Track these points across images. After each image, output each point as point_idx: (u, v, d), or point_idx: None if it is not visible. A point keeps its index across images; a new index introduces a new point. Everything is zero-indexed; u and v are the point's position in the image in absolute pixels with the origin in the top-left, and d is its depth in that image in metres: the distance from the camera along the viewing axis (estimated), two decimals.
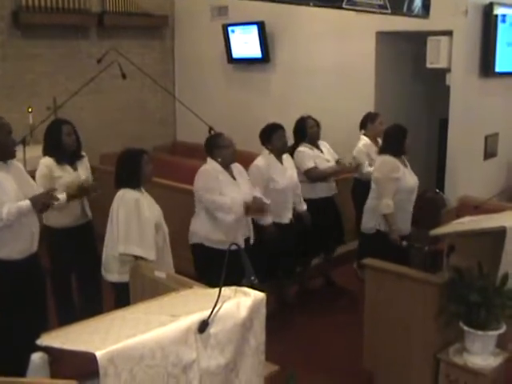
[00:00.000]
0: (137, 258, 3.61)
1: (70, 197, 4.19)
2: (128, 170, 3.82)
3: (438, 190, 6.21)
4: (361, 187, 5.44)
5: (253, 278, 1.95)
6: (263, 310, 1.90)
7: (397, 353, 4.12)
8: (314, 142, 5.47)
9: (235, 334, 1.81)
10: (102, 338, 1.65)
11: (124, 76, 5.42)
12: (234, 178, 4.47)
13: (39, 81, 7.26)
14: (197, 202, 4.44)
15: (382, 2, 4.49)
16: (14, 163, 3.72)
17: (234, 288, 1.94)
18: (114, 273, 3.85)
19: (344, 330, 4.92)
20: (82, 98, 6.62)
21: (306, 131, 5.41)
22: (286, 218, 4.99)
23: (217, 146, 4.42)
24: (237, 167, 4.57)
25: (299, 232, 5.13)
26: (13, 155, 3.66)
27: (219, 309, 1.77)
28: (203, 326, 1.72)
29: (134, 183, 3.80)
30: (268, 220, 4.76)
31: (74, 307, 4.57)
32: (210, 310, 1.77)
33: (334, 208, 5.60)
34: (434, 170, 7.50)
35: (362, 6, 4.30)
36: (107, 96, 7.78)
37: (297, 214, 5.16)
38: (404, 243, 4.67)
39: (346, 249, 5.97)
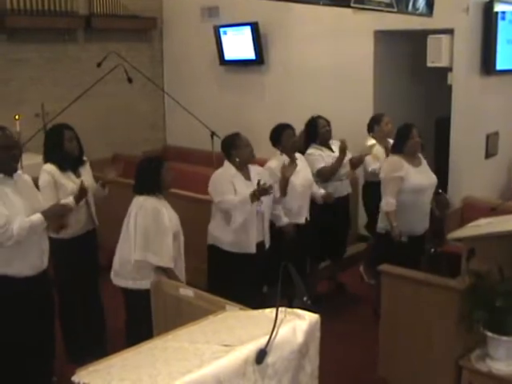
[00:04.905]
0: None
1: (77, 198, 4.02)
2: (149, 177, 3.83)
3: (440, 191, 6.10)
4: (370, 189, 5.33)
5: (305, 298, 1.79)
6: (318, 334, 1.74)
7: (415, 360, 4.01)
8: (325, 142, 5.36)
9: (292, 362, 1.65)
10: (150, 373, 1.48)
11: (130, 80, 5.22)
12: (249, 179, 4.42)
13: (26, 86, 7.02)
14: (212, 204, 4.46)
15: (388, 1, 4.38)
16: (21, 177, 3.56)
17: (283, 309, 1.78)
18: (127, 279, 3.82)
19: (353, 335, 4.82)
20: (69, 103, 6.41)
21: (318, 131, 5.29)
22: (303, 217, 4.92)
23: (235, 146, 4.39)
24: (255, 169, 4.53)
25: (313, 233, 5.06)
26: (12, 170, 3.45)
27: (276, 335, 1.61)
28: (261, 355, 1.55)
29: (154, 190, 3.80)
30: (283, 221, 4.70)
31: (77, 320, 4.43)
32: (265, 336, 1.60)
33: (345, 210, 5.50)
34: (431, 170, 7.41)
35: (369, 4, 4.19)
36: (95, 101, 7.53)
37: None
38: (403, 238, 4.59)
39: (352, 251, 5.92)
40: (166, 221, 3.71)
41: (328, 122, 5.36)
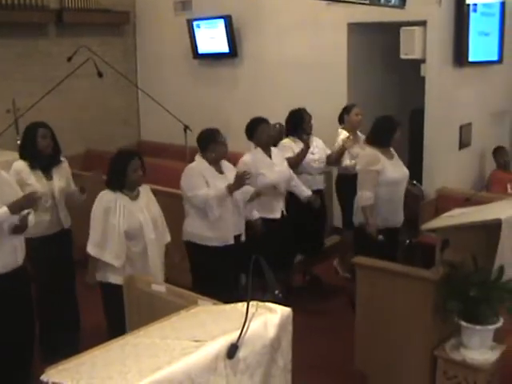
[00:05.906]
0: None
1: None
2: (113, 171, 3.78)
3: (414, 182, 6.13)
4: (344, 182, 5.33)
5: (277, 291, 1.78)
6: (290, 327, 1.73)
7: (391, 352, 4.02)
8: (306, 136, 5.31)
9: (264, 356, 1.64)
10: (120, 371, 1.46)
11: (100, 74, 5.16)
12: (222, 173, 4.40)
13: None
14: (184, 201, 4.41)
15: None
16: None
17: (255, 303, 1.76)
18: (99, 271, 3.77)
19: (333, 328, 4.81)
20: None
21: (303, 125, 5.28)
22: (277, 212, 4.90)
23: (214, 141, 4.35)
24: (225, 163, 4.51)
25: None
26: None
27: (247, 329, 1.60)
28: (233, 350, 1.54)
29: (117, 185, 3.75)
30: (255, 215, 4.68)
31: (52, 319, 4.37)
32: (236, 331, 1.59)
33: (321, 204, 5.48)
34: (405, 162, 7.43)
35: None
36: (68, 96, 7.43)
37: (307, 202, 5.09)
38: (380, 237, 4.57)
39: (327, 244, 5.91)
40: (114, 218, 3.64)
41: (310, 117, 5.36)
